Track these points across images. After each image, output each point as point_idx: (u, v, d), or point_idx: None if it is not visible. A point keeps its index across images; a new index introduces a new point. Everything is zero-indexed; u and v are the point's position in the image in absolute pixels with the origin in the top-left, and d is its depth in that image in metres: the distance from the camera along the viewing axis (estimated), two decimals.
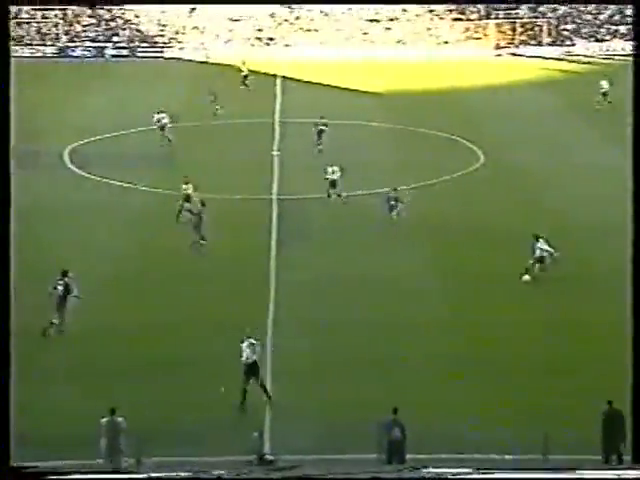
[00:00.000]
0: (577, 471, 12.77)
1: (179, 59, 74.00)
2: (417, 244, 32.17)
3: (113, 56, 75.12)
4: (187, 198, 33.75)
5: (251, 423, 20.08)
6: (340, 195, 36.35)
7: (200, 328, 25.20)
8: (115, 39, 77.10)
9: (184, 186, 34.19)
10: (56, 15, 77.89)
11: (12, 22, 75.48)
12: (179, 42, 77.00)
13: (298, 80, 64.35)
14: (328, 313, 26.45)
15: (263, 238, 32.47)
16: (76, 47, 75.95)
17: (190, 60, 73.17)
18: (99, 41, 76.64)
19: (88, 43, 76.37)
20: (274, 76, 65.17)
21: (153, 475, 8.88)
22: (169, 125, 45.25)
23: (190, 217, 32.09)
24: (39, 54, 74.57)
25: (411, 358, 23.64)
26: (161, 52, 75.91)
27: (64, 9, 77.24)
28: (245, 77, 60.25)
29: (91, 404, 20.14)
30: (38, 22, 77.52)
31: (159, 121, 45.19)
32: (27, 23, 77.23)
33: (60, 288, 24.18)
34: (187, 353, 23.57)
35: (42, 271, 26.23)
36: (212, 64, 69.91)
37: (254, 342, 21.35)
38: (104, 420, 18.21)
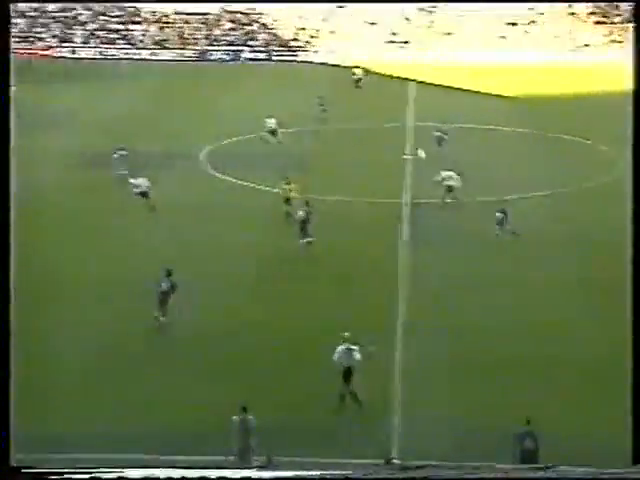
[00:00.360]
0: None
1: (312, 62, 74.76)
2: (544, 251, 31.54)
3: (249, 59, 76.59)
4: (287, 200, 33.90)
5: (380, 426, 20.14)
6: (456, 199, 35.86)
7: (326, 329, 24.75)
8: (252, 43, 78.51)
9: (285, 187, 34.41)
10: (198, 20, 79.94)
11: (155, 26, 77.91)
12: (314, 46, 77.77)
13: (432, 84, 64.08)
14: (457, 317, 26.23)
15: (388, 241, 32.41)
16: (215, 51, 77.69)
17: (323, 63, 73.86)
18: (236, 44, 78.18)
19: (226, 47, 78.03)
20: (407, 79, 65.14)
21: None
22: (280, 130, 45.93)
23: (302, 217, 31.69)
24: (180, 57, 76.62)
25: (540, 363, 23.22)
26: (295, 55, 76.86)
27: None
28: (358, 80, 61.68)
29: (219, 400, 20.56)
30: (180, 26, 79.66)
31: (270, 126, 45.93)
32: (168, 27, 79.50)
33: (164, 285, 24.66)
34: (310, 355, 23.30)
35: (169, 262, 26.69)
36: (344, 67, 70.26)
37: (352, 347, 21.03)
38: (235, 418, 18.52)
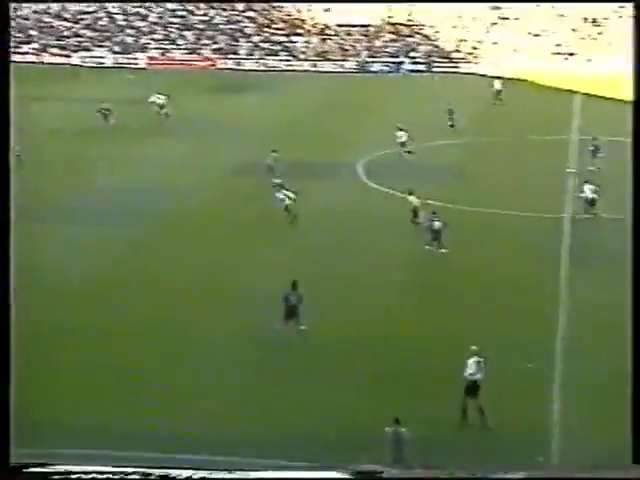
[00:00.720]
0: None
1: (474, 74, 73.73)
2: None
3: (409, 71, 76.31)
4: (415, 210, 34.09)
5: (538, 444, 19.44)
6: (596, 214, 34.73)
7: (479, 343, 24.19)
8: (412, 54, 78.22)
9: (410, 197, 34.60)
10: (359, 31, 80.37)
11: (317, 38, 78.65)
12: (475, 57, 76.79)
13: (596, 95, 62.04)
14: (618, 334, 25.04)
15: (546, 255, 31.50)
16: (375, 62, 77.78)
17: (484, 75, 72.71)
18: (397, 56, 78.04)
19: (387, 58, 78.01)
20: (571, 91, 63.33)
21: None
22: (407, 141, 45.64)
23: (436, 227, 31.81)
24: (339, 69, 77.10)
25: None
26: (456, 67, 76.05)
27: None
28: (499, 92, 59.90)
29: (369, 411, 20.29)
30: (342, 38, 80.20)
31: (400, 139, 45.83)
32: (330, 39, 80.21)
33: (292, 298, 24.94)
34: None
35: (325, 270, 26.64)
36: (506, 79, 68.96)
37: (480, 360, 20.81)
38: (388, 429, 18.30)
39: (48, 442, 18.83)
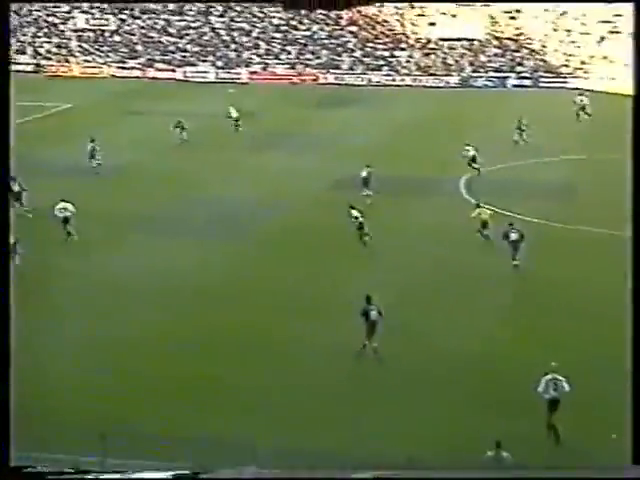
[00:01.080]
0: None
1: (582, 89, 71.39)
2: None
3: (514, 86, 74.58)
4: (484, 223, 34.08)
5: None
6: None
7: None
8: (519, 69, 76.43)
9: (477, 210, 34.40)
10: (463, 45, 79.03)
11: (420, 52, 77.67)
12: (585, 72, 74.48)
13: None
14: None
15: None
16: (479, 77, 76.28)
17: (591, 90, 70.29)
18: (502, 71, 76.38)
19: (491, 73, 76.45)
20: None
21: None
22: (477, 157, 44.62)
23: (514, 238, 31.46)
24: (442, 84, 75.88)
25: None
26: (564, 82, 73.87)
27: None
28: (582, 108, 57.62)
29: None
30: (444, 52, 79.01)
31: (467, 152, 44.92)
32: (433, 53, 79.09)
33: (374, 313, 24.63)
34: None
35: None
36: (615, 94, 66.51)
37: (559, 378, 20.41)
38: (490, 454, 17.86)
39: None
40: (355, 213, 34.41)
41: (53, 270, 31.82)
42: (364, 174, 40.47)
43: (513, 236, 31.17)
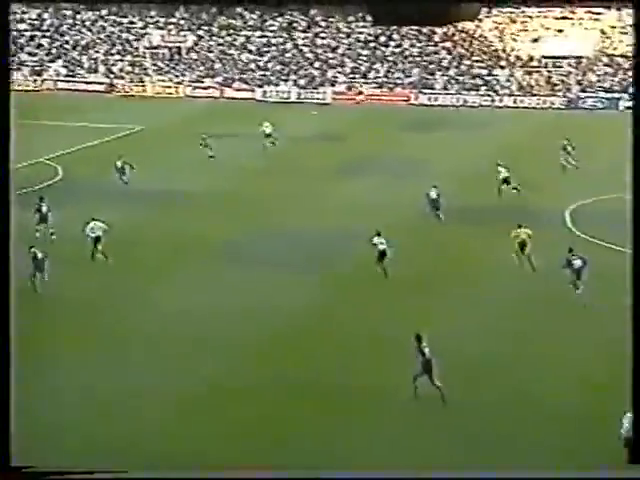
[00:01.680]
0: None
1: None
2: None
3: (628, 108, 67.47)
4: (522, 244, 32.47)
5: None
6: None
7: None
8: (632, 90, 69.15)
9: (517, 230, 32.71)
10: (569, 63, 72.64)
11: (522, 70, 71.42)
12: None
13: None
14: None
15: None
16: (588, 97, 69.49)
17: None
18: (614, 91, 69.40)
19: (602, 93, 69.61)
20: None
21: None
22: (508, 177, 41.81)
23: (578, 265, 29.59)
24: (545, 105, 69.44)
25: None
26: None
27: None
28: None
29: None
30: (549, 71, 72.61)
31: (500, 173, 42.19)
32: (536, 71, 72.64)
33: (427, 351, 23.29)
34: None
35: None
36: None
37: None
38: None
39: None
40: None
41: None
42: (433, 195, 38.58)
43: (577, 263, 29.47)
